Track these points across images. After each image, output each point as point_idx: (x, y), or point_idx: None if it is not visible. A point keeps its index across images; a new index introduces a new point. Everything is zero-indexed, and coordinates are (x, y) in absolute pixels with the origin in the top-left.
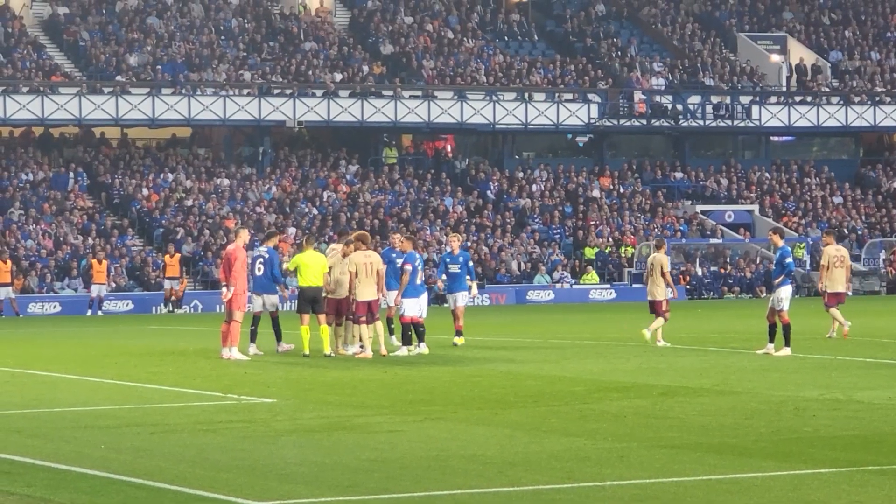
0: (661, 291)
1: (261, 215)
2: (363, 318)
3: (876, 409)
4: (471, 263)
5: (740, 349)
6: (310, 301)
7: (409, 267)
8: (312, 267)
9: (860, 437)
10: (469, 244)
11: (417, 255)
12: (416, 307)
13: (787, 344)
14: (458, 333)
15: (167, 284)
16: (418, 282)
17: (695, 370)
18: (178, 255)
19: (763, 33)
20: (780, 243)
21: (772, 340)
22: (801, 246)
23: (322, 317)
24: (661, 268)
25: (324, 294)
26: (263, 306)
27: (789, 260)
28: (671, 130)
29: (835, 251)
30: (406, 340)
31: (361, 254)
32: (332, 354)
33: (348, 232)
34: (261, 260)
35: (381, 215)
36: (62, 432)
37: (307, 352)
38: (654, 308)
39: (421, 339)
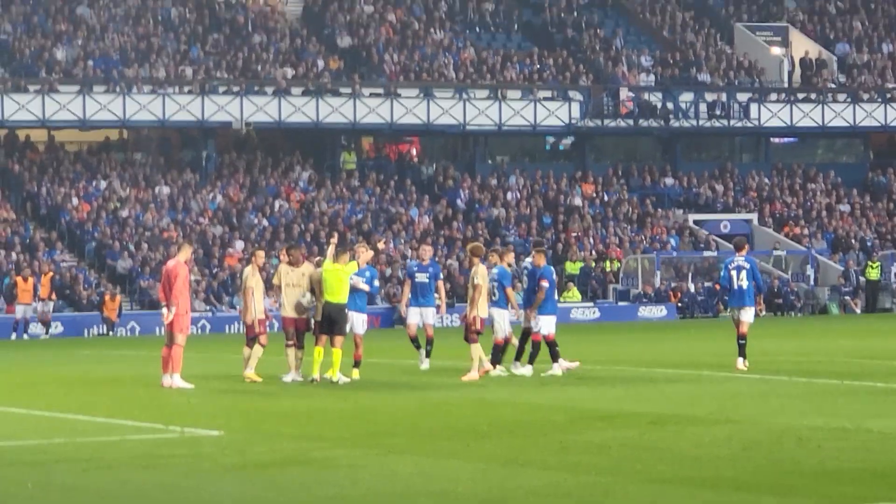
0: None
1: (205, 227)
2: (475, 336)
3: (888, 439)
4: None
5: (736, 374)
6: (329, 320)
7: (545, 283)
8: (334, 282)
9: (870, 470)
10: (437, 258)
11: (553, 270)
12: (552, 324)
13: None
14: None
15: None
16: (556, 297)
17: (687, 397)
18: (32, 279)
19: (763, 24)
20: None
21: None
22: (876, 265)
23: (338, 339)
24: None
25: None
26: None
27: None
28: (661, 132)
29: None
30: (531, 360)
31: (485, 268)
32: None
33: (298, 246)
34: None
35: (338, 227)
36: None
37: (316, 376)
38: None
39: (555, 358)
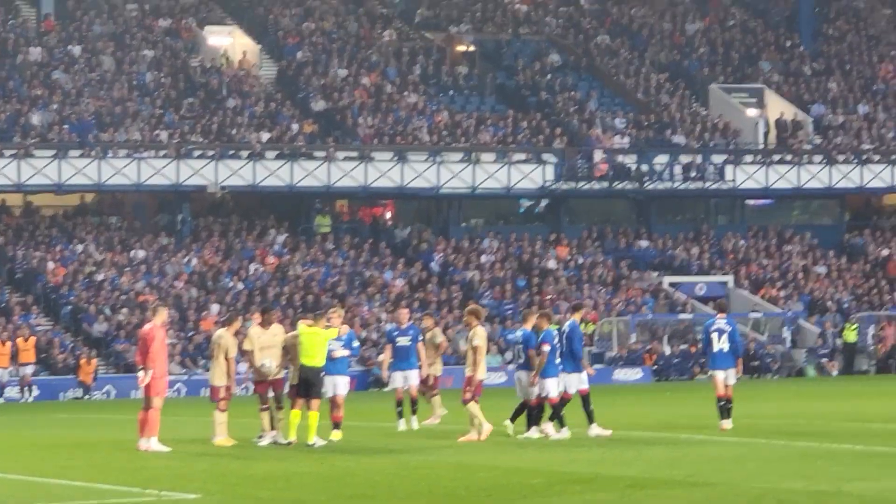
0: None
1: (180, 290)
2: (470, 397)
3: (867, 503)
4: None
5: (714, 437)
6: (305, 384)
7: (546, 347)
8: (311, 345)
9: None
10: (412, 321)
11: (555, 334)
12: (557, 386)
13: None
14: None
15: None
16: (557, 360)
17: (665, 460)
18: (9, 343)
19: (738, 85)
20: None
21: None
22: (853, 327)
23: (315, 402)
24: None
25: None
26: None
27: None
28: (635, 194)
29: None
30: (553, 420)
31: (484, 329)
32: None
33: (273, 309)
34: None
35: (314, 290)
36: None
37: (293, 439)
38: None
39: (562, 422)
